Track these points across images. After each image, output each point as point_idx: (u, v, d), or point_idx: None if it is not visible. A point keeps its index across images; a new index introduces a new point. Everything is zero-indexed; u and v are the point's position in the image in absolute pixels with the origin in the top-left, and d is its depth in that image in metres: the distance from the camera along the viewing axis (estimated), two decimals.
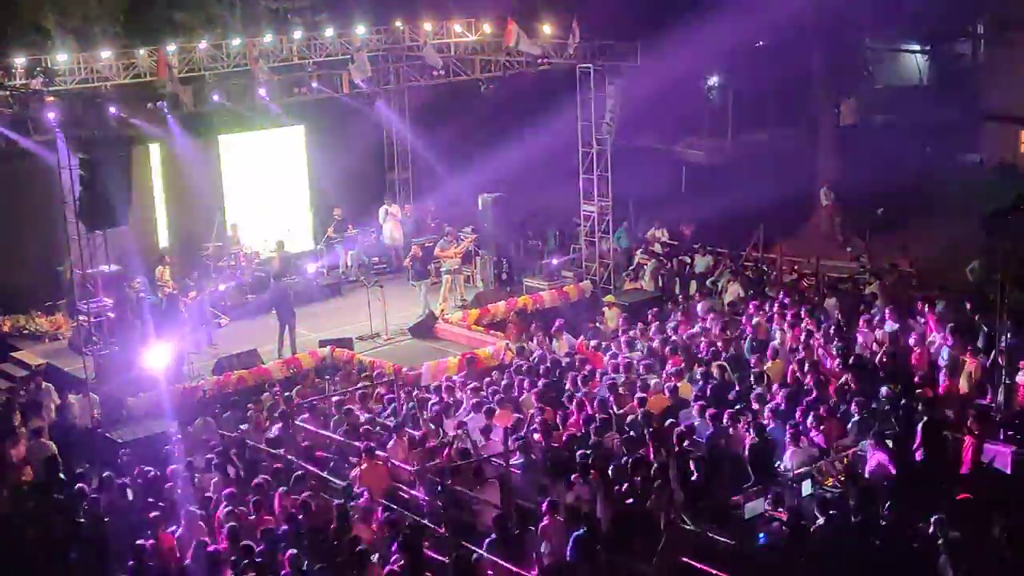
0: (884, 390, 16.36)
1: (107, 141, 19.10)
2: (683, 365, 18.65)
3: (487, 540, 13.08)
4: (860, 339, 19.37)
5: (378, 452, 15.55)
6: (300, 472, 15.42)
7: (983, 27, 35.53)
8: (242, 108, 24.06)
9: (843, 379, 17.26)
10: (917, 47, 37.58)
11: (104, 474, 16.07)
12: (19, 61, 20.63)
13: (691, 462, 14.59)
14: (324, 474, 15.55)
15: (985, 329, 18.12)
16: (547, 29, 24.17)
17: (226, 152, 26.85)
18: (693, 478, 14.42)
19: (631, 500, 14.00)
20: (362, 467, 15.14)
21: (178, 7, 28.99)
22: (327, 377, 20.53)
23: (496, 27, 24.25)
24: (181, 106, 21.52)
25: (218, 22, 29.12)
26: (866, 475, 14.41)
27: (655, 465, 14.47)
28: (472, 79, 24.81)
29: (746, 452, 15.08)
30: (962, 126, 33.03)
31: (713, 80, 37.69)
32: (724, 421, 15.69)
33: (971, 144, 33.12)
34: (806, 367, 17.85)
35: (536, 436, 15.94)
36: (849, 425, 15.74)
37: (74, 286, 21.32)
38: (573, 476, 14.32)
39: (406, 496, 15.13)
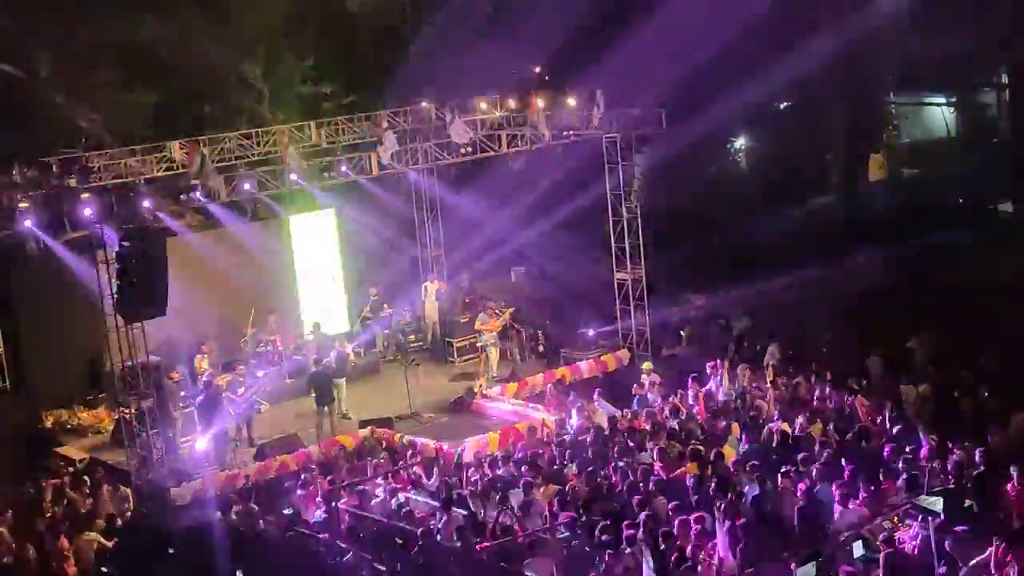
0: (932, 444, 16.17)
1: (142, 233, 19.36)
2: (723, 428, 18.54)
3: None
4: (903, 394, 19.18)
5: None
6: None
7: (1007, 76, 35.53)
8: (273, 195, 24.32)
9: (888, 436, 17.07)
10: (942, 100, 37.59)
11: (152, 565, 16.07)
12: (54, 160, 20.98)
13: (739, 527, 14.41)
14: (367, 556, 15.45)
15: None
16: (571, 101, 24.39)
17: (259, 239, 27.08)
18: (742, 543, 14.23)
19: (682, 567, 13.82)
20: None
21: (207, 99, 29.48)
22: (368, 459, 20.48)
23: (521, 102, 24.51)
24: (214, 196, 21.79)
25: (247, 111, 29.56)
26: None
27: (704, 530, 14.30)
28: (499, 154, 25.06)
29: (795, 514, 14.89)
30: (994, 175, 32.90)
31: (740, 142, 37.79)
32: (772, 483, 15.52)
33: (1004, 193, 32.94)
34: (851, 425, 17.68)
35: (580, 508, 15.82)
36: (899, 482, 15.52)
37: (114, 379, 21.46)
38: (622, 545, 14.18)
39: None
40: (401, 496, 17.48)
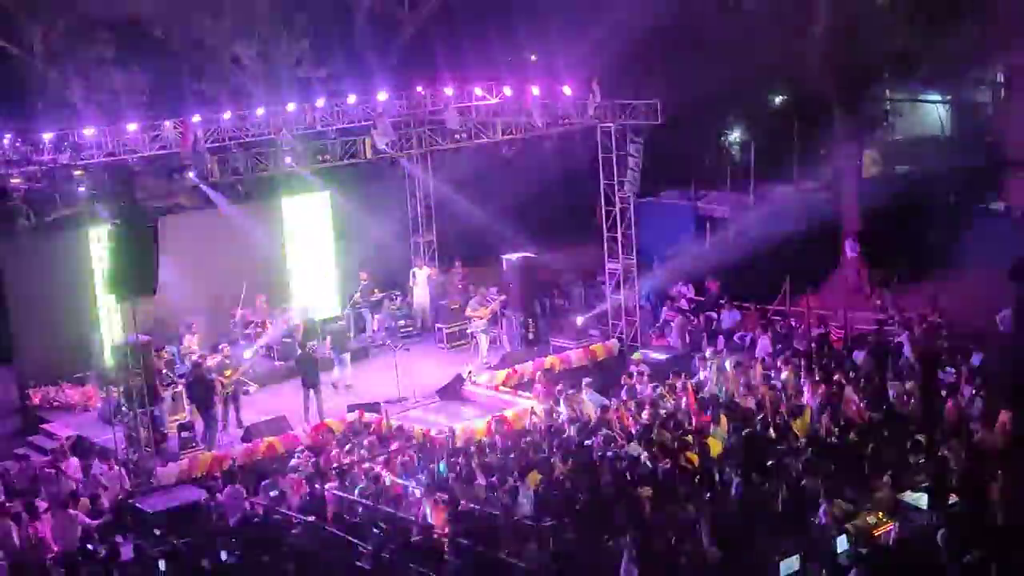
0: (917, 442, 16.21)
1: (134, 212, 19.30)
2: (710, 421, 18.58)
3: None
4: (891, 391, 19.22)
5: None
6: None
7: (1002, 75, 35.55)
8: (267, 176, 24.27)
9: (875, 432, 17.10)
10: (937, 97, 37.59)
11: (135, 544, 16.08)
12: (47, 136, 20.93)
13: (724, 518, 14.45)
14: (353, 540, 15.48)
15: None
16: (568, 90, 24.35)
17: (252, 220, 27.03)
18: (726, 535, 14.26)
19: (666, 558, 13.86)
20: None
21: (202, 79, 29.39)
22: (355, 442, 20.49)
23: (516, 89, 24.46)
24: (207, 176, 21.73)
25: (242, 92, 29.47)
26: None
27: (688, 522, 14.33)
28: (494, 141, 25.05)
29: (779, 508, 14.93)
30: (986, 174, 32.92)
31: (735, 134, 37.76)
32: (757, 476, 15.56)
33: (996, 192, 32.99)
34: (837, 421, 17.72)
35: (566, 496, 15.85)
36: (884, 478, 15.56)
37: (103, 356, 21.40)
38: (607, 535, 14.21)
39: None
40: (388, 480, 17.49)
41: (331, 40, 31.47)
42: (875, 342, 22.52)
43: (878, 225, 30.00)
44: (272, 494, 17.75)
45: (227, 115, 22.44)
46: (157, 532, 16.93)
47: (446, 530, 15.35)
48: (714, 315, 26.28)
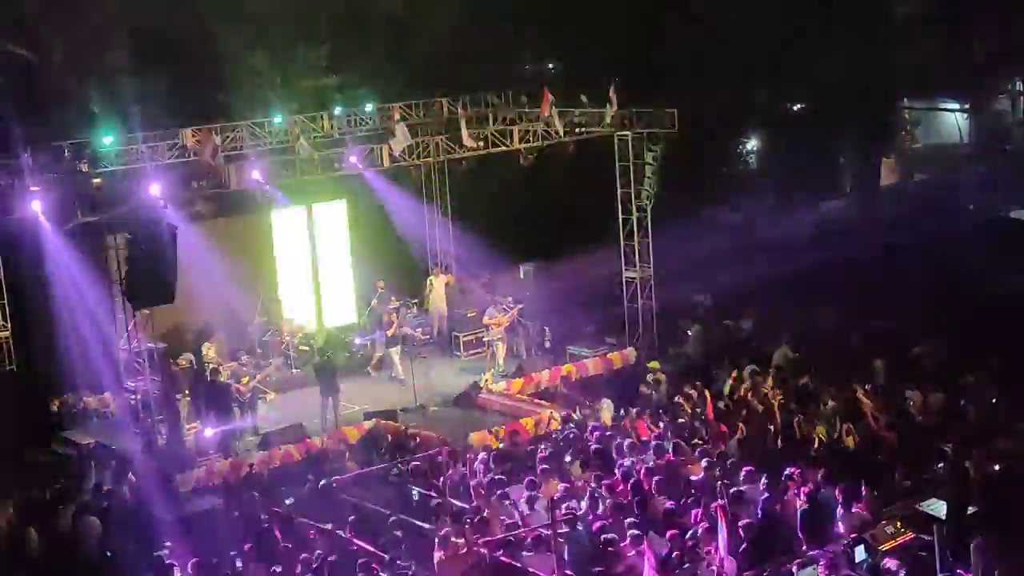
0: (938, 450, 16.15)
1: (152, 220, 19.37)
2: (727, 430, 18.53)
3: None
4: (910, 399, 19.14)
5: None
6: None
7: (1022, 84, 35.49)
8: (284, 185, 24.33)
9: (894, 440, 17.04)
10: (956, 105, 37.52)
11: (152, 553, 16.10)
12: (66, 144, 21.05)
13: (741, 528, 14.40)
14: (373, 549, 15.48)
15: None
16: (584, 98, 24.35)
17: (269, 228, 27.10)
18: (743, 545, 14.22)
19: (683, 567, 13.82)
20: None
21: (220, 87, 29.48)
22: (374, 451, 20.50)
23: (533, 97, 24.52)
24: (225, 184, 21.81)
25: (259, 100, 29.54)
26: None
27: (705, 532, 14.28)
28: (511, 149, 25.08)
29: (797, 517, 14.87)
30: (1005, 183, 32.84)
31: (752, 143, 37.71)
32: (775, 485, 15.50)
33: (1015, 200, 32.89)
34: (856, 429, 17.65)
35: (583, 505, 15.81)
36: (903, 487, 15.51)
37: (121, 364, 21.40)
38: (623, 544, 14.18)
39: None
40: (414, 491, 17.49)
41: (349, 47, 31.52)
42: (895, 350, 22.43)
43: (896, 233, 29.93)
44: (288, 502, 17.76)
45: (245, 123, 22.53)
46: (173, 540, 16.91)
47: (463, 539, 15.34)
48: (731, 323, 26.18)
